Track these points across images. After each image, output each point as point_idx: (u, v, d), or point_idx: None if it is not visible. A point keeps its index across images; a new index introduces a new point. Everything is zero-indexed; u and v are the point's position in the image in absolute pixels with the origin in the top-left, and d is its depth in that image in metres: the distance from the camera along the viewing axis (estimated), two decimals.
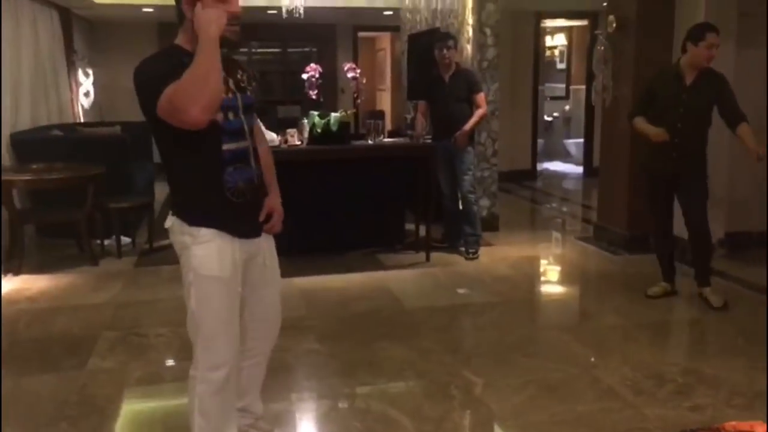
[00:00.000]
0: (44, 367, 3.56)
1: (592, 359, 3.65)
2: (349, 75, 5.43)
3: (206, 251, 2.23)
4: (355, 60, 10.64)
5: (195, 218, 2.24)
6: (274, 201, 2.49)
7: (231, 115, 2.25)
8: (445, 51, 5.45)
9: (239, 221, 2.30)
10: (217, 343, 2.29)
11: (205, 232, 2.24)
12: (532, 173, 9.68)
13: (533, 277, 5.58)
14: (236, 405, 2.52)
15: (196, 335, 2.30)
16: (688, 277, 4.63)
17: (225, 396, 2.35)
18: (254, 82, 2.45)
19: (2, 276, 5.01)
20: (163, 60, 2.17)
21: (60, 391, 3.27)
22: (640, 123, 4.35)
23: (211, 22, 2.07)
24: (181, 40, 2.24)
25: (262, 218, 2.41)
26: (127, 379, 3.42)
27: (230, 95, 2.26)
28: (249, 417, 2.67)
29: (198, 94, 1.99)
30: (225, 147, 2.23)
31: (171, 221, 2.30)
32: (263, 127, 2.95)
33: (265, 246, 2.46)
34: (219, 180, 2.22)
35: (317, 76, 5.55)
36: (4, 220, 5.34)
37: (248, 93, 2.36)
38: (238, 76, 2.35)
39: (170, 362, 3.66)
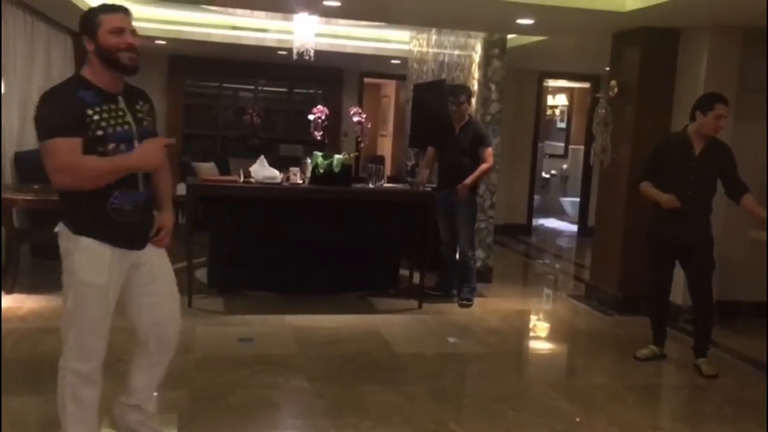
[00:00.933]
0: (31, 389, 3.54)
1: (578, 419, 3.66)
2: (355, 119, 5.52)
3: (85, 258, 2.48)
4: (359, 104, 10.79)
5: (79, 228, 2.48)
6: (165, 218, 2.75)
7: (123, 147, 2.48)
8: (454, 107, 5.56)
9: (121, 235, 2.53)
10: (89, 340, 2.58)
11: (86, 242, 2.48)
12: (527, 228, 9.77)
13: (523, 331, 5.60)
14: (129, 401, 2.83)
15: (68, 331, 2.58)
16: (678, 342, 4.66)
17: (95, 387, 2.65)
18: (151, 114, 2.67)
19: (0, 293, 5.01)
20: (63, 103, 2.41)
21: (46, 414, 3.25)
22: (649, 188, 4.36)
23: (149, 158, 2.49)
24: (86, 72, 2.50)
25: (152, 234, 2.68)
26: (111, 406, 3.39)
27: (126, 128, 2.49)
28: (141, 414, 2.86)
29: (90, 179, 2.40)
30: None
31: (59, 227, 2.53)
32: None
33: (154, 257, 2.71)
34: (105, 200, 2.46)
35: (323, 117, 5.64)
36: (2, 238, 5.36)
37: (145, 124, 2.58)
38: (137, 106, 2.58)
39: (159, 390, 3.63)
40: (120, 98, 2.51)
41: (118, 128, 2.45)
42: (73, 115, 2.37)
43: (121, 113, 2.48)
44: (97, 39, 2.43)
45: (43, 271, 5.75)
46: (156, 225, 2.70)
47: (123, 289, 2.64)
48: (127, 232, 2.55)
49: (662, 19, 5.19)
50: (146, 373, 2.84)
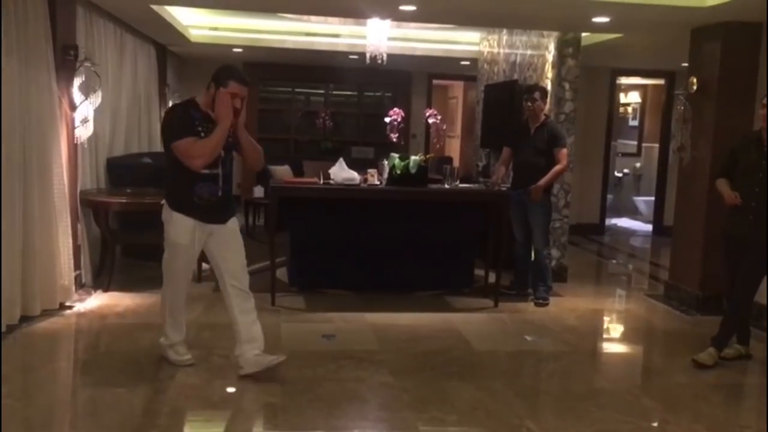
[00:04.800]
0: (136, 379, 3.76)
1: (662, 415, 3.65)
2: (431, 120, 5.61)
3: (176, 226, 3.69)
4: (428, 106, 10.89)
5: (174, 205, 3.71)
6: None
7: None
8: (529, 103, 5.60)
9: (200, 213, 3.68)
10: (176, 276, 3.85)
11: (177, 215, 3.68)
12: (599, 228, 9.66)
13: (601, 329, 5.59)
14: (253, 350, 3.82)
15: (167, 269, 3.85)
16: (764, 342, 4.57)
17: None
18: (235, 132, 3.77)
19: (92, 292, 5.33)
20: (183, 115, 3.66)
21: (152, 402, 3.47)
22: (721, 185, 4.43)
23: (220, 114, 3.59)
24: (201, 99, 3.70)
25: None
26: (211, 395, 3.60)
27: None
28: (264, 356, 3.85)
29: (205, 155, 3.59)
30: (204, 171, 3.64)
31: (163, 203, 3.75)
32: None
33: (227, 231, 3.80)
34: (192, 188, 3.64)
35: (399, 120, 5.75)
36: (94, 239, 5.68)
37: (229, 140, 3.69)
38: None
39: (249, 383, 3.81)
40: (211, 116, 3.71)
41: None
42: (188, 125, 3.62)
43: (212, 126, 3.64)
44: (217, 93, 3.59)
45: (135, 270, 6.05)
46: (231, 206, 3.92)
47: (205, 251, 3.81)
48: (204, 212, 3.69)
49: (745, 14, 5.10)
50: (245, 318, 3.79)
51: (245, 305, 3.81)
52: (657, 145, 10.09)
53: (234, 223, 3.86)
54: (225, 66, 3.68)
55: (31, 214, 4.61)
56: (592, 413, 3.62)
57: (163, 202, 3.74)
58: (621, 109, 11.70)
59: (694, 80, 5.65)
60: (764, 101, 4.21)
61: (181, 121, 3.60)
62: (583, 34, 6.52)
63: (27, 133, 4.52)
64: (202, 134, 3.59)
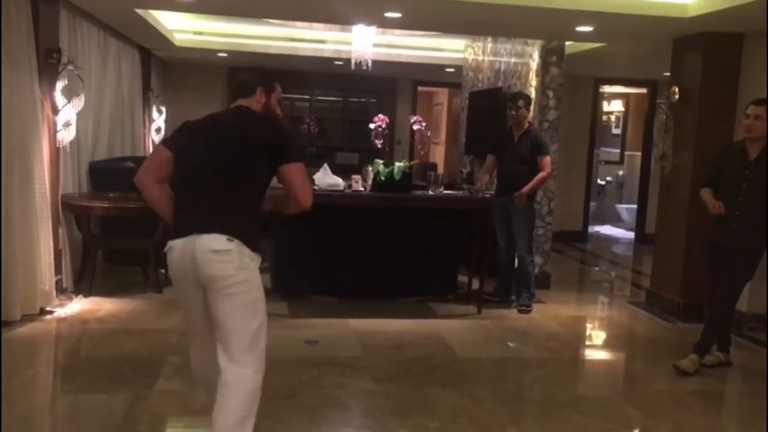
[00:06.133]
0: (116, 385, 3.73)
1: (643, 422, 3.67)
2: (415, 127, 5.63)
3: (257, 275, 2.73)
4: (413, 112, 10.91)
5: (256, 247, 2.71)
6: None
7: None
8: (513, 111, 5.63)
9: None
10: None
11: (257, 260, 2.73)
12: (582, 235, 9.72)
13: (584, 336, 5.62)
14: None
15: (259, 340, 2.78)
16: (744, 349, 4.61)
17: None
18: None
19: (73, 297, 5.28)
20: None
21: (133, 408, 3.44)
22: (705, 194, 4.46)
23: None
24: (252, 105, 2.88)
25: None
26: (192, 401, 3.57)
27: None
28: None
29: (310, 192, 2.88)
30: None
31: (231, 245, 2.62)
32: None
33: None
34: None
35: (383, 126, 5.76)
36: (75, 244, 5.64)
37: None
38: None
39: None
40: None
41: None
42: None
43: None
44: (270, 97, 2.92)
45: (117, 275, 6.01)
46: None
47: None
48: None
49: (725, 24, 5.16)
50: None
51: None
52: (639, 154, 10.18)
53: None
54: (256, 68, 3.15)
55: (12, 218, 4.56)
56: (574, 420, 3.64)
57: (231, 243, 2.62)
58: (604, 118, 11.79)
59: (676, 89, 5.71)
60: (747, 111, 4.26)
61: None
62: (567, 43, 6.57)
63: (8, 137, 4.48)
64: None
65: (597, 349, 5.45)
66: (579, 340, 5.47)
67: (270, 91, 2.91)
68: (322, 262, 5.75)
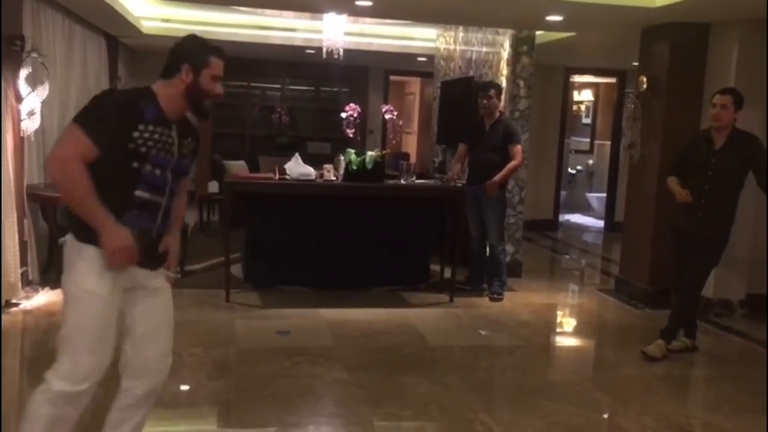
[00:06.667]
0: None
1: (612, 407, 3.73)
2: (387, 116, 5.61)
3: (88, 267, 2.30)
4: (385, 102, 10.90)
5: (86, 236, 2.28)
6: (172, 241, 2.55)
7: (157, 171, 2.35)
8: (484, 100, 5.65)
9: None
10: (83, 356, 2.36)
11: (91, 250, 2.28)
12: (553, 224, 9.81)
13: (554, 324, 5.68)
14: None
15: (65, 343, 2.40)
16: (710, 335, 4.70)
17: (81, 405, 2.45)
18: (194, 154, 2.56)
19: (40, 289, 5.19)
20: (117, 106, 2.30)
21: (101, 400, 3.37)
22: (671, 182, 4.50)
23: (113, 249, 2.25)
24: (159, 88, 2.38)
25: (161, 250, 2.48)
26: (163, 393, 3.51)
27: (168, 156, 2.37)
28: None
29: (65, 190, 2.23)
30: (137, 193, 2.32)
31: (67, 237, 2.37)
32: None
33: (159, 284, 2.50)
34: (119, 216, 2.27)
35: (355, 115, 5.74)
36: (41, 235, 5.54)
37: (184, 161, 2.47)
38: (185, 141, 2.46)
39: (202, 381, 3.77)
40: (174, 126, 2.40)
41: (162, 154, 2.33)
42: (118, 123, 2.25)
43: (170, 141, 2.37)
44: (199, 76, 2.37)
45: None
46: (162, 247, 2.48)
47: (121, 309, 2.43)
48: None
49: (692, 15, 5.23)
50: (118, 416, 2.60)
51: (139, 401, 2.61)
52: (609, 143, 10.30)
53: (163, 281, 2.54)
54: (191, 37, 2.45)
55: None
56: (544, 406, 3.68)
57: (68, 236, 2.36)
58: (574, 107, 11.88)
59: (644, 79, 5.77)
60: (714, 100, 4.32)
61: (109, 111, 2.26)
62: (538, 33, 6.61)
63: None
64: (149, 143, 2.28)
65: (567, 336, 5.51)
66: (549, 327, 5.53)
67: (200, 68, 2.36)
68: (293, 252, 5.72)
